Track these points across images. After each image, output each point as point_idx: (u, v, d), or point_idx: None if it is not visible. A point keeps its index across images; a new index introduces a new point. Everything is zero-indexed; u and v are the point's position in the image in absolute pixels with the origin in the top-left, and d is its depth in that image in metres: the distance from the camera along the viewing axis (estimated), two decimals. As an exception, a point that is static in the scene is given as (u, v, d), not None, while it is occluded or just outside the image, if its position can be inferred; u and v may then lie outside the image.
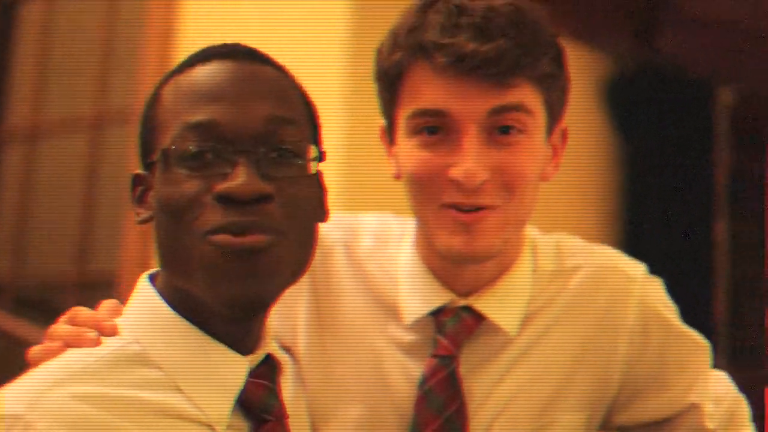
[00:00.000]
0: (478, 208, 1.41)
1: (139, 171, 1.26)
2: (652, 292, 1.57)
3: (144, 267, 1.74)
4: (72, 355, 1.19)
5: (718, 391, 1.56)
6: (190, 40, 3.37)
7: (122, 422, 1.13)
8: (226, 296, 1.16)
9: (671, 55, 3.39)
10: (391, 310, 1.55)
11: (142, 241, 3.56)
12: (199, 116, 1.17)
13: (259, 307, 1.20)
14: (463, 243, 1.42)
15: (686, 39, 3.44)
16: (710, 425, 1.53)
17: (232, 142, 1.17)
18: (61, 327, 1.25)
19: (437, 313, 1.51)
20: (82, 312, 1.27)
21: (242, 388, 1.21)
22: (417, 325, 1.53)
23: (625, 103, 3.37)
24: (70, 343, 1.21)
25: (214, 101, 1.18)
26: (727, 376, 1.59)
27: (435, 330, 1.51)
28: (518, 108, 1.40)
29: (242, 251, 1.14)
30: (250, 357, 1.23)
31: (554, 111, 1.47)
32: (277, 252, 1.16)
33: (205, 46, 1.25)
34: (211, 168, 1.16)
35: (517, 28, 1.39)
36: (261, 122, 1.18)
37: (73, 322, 1.25)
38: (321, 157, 1.23)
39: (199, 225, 1.15)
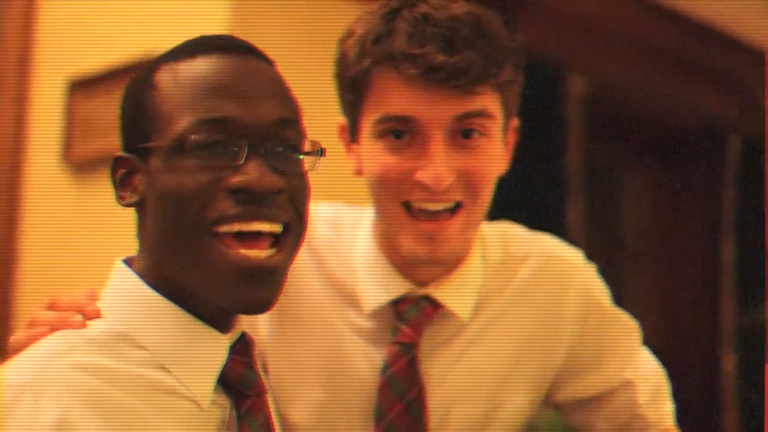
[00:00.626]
0: (444, 211, 1.47)
1: (121, 153, 1.26)
2: (590, 279, 1.66)
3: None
4: (62, 336, 1.20)
5: (646, 368, 1.67)
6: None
7: (122, 395, 1.16)
8: (231, 301, 1.21)
9: (527, 43, 3.45)
10: (349, 298, 1.59)
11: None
12: (215, 113, 1.19)
13: (264, 310, 1.23)
14: (427, 251, 1.48)
15: (542, 29, 3.53)
16: (641, 400, 1.64)
17: (244, 137, 1.19)
18: (44, 313, 1.25)
19: (397, 302, 1.55)
20: (62, 298, 1.27)
21: (224, 365, 1.24)
22: (376, 313, 1.57)
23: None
24: (56, 328, 1.22)
25: (226, 97, 1.20)
26: (651, 354, 1.70)
27: (395, 318, 1.55)
28: (481, 114, 1.46)
29: (254, 268, 1.19)
30: (229, 335, 1.26)
31: (510, 111, 1.53)
32: (277, 265, 1.22)
33: (199, 36, 1.27)
34: (221, 160, 1.19)
35: (482, 39, 1.45)
36: (270, 121, 1.21)
37: (55, 308, 1.26)
38: (322, 152, 1.26)
39: (206, 215, 1.18)
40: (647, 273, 4.24)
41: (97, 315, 1.23)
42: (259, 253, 1.19)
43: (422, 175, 1.44)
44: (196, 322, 1.23)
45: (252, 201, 1.18)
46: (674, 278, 4.24)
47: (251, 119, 1.20)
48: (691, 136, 4.39)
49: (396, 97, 1.44)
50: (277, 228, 1.21)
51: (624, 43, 3.96)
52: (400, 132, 1.46)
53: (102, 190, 3.03)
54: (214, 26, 2.87)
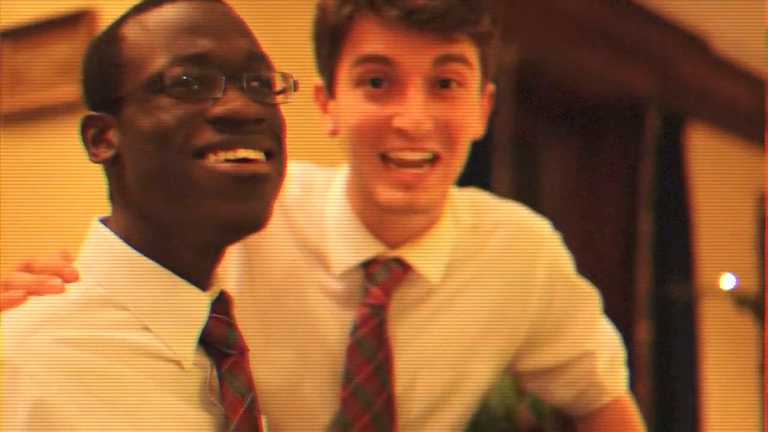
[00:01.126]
0: (422, 161, 1.46)
1: (90, 113, 1.24)
2: (557, 248, 1.67)
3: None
4: (40, 302, 1.17)
5: (606, 336, 1.70)
6: None
7: (105, 363, 1.13)
8: (227, 217, 1.18)
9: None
10: (319, 259, 1.57)
11: None
12: (190, 49, 1.19)
13: (258, 226, 1.21)
14: (405, 199, 1.47)
15: None
16: (599, 369, 1.66)
17: (220, 69, 1.20)
18: (20, 275, 1.21)
19: (367, 264, 1.54)
20: (39, 260, 1.23)
21: (205, 323, 1.22)
22: (346, 275, 1.56)
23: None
24: (33, 291, 1.18)
25: (199, 35, 1.21)
26: (608, 322, 1.72)
27: (365, 279, 1.55)
28: (459, 59, 1.46)
29: (245, 174, 1.18)
30: (209, 292, 1.24)
31: (487, 68, 1.52)
32: (269, 174, 1.21)
33: None
34: (200, 93, 1.18)
35: None
36: (243, 55, 1.22)
37: (31, 270, 1.22)
38: (295, 85, 1.26)
39: (190, 146, 1.17)
40: (566, 242, 4.29)
41: (75, 277, 1.20)
42: (248, 165, 1.19)
43: (400, 121, 1.44)
44: (178, 280, 1.21)
45: (235, 129, 1.18)
46: (592, 248, 4.29)
47: (226, 53, 1.20)
48: (611, 109, 4.45)
49: (375, 39, 1.45)
50: (261, 156, 1.20)
51: (551, 16, 4.00)
52: (378, 81, 1.46)
53: (31, 144, 2.98)
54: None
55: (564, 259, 1.68)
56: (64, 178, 2.81)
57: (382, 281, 1.54)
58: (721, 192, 4.90)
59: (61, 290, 1.18)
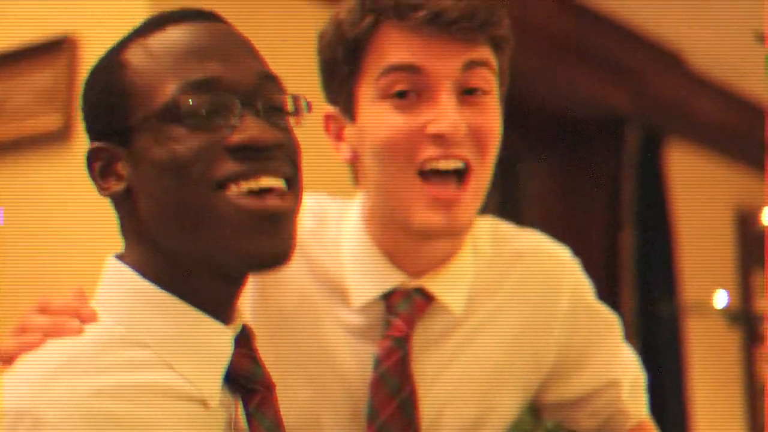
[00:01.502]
0: (456, 172, 1.42)
1: (96, 144, 1.18)
2: (578, 276, 1.64)
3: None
4: (58, 346, 1.12)
5: (628, 363, 1.66)
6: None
7: (128, 408, 1.08)
8: (253, 253, 1.14)
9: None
10: (337, 293, 1.53)
11: None
12: (202, 74, 1.15)
13: (284, 261, 1.17)
14: (443, 220, 1.42)
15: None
16: (624, 396, 1.63)
17: (234, 95, 1.15)
18: (36, 318, 1.15)
19: (388, 296, 1.50)
20: (55, 300, 1.18)
21: (230, 359, 1.17)
22: (366, 308, 1.51)
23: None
24: (51, 334, 1.13)
25: (208, 59, 1.16)
26: (630, 347, 1.69)
27: (386, 311, 1.50)
28: (485, 64, 1.44)
29: (269, 212, 1.14)
30: (231, 326, 1.20)
31: (503, 78, 1.50)
32: (291, 208, 1.17)
33: (158, 13, 1.22)
34: (216, 121, 1.14)
35: None
36: (255, 77, 1.18)
37: (47, 312, 1.16)
38: (308, 106, 1.22)
39: (210, 177, 1.13)
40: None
41: (93, 318, 1.15)
42: (271, 200, 1.15)
43: (436, 127, 1.40)
44: (201, 314, 1.16)
45: (255, 157, 1.14)
46: (574, 267, 4.28)
47: (238, 77, 1.16)
48: (591, 127, 4.44)
49: (401, 48, 1.41)
50: (282, 183, 1.16)
51: (528, 34, 3.98)
52: (404, 92, 1.42)
53: (13, 174, 2.93)
54: (130, 5, 2.79)
55: (585, 287, 1.64)
56: (47, 209, 2.76)
57: (404, 313, 1.49)
58: (700, 208, 4.91)
59: (79, 332, 1.13)
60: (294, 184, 1.18)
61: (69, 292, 1.20)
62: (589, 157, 4.43)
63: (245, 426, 1.18)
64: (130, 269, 1.18)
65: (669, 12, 4.15)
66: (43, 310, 1.17)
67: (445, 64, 1.41)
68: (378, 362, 1.48)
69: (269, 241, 1.14)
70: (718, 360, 4.77)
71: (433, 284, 1.51)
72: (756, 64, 4.24)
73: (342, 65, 1.46)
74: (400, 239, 1.48)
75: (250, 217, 1.13)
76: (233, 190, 1.13)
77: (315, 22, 1.56)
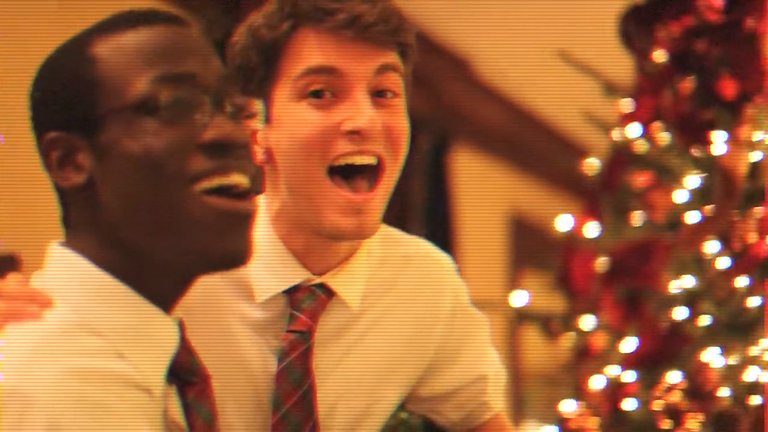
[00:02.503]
0: (368, 168, 1.48)
1: (54, 134, 1.19)
2: (458, 281, 1.74)
3: None
4: (26, 329, 1.14)
5: (494, 360, 1.79)
6: None
7: (97, 393, 1.11)
8: (218, 252, 1.19)
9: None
10: (241, 288, 1.56)
11: None
12: (177, 68, 1.18)
13: (245, 262, 1.22)
14: (354, 224, 1.48)
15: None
16: (489, 391, 1.76)
17: (205, 91, 1.19)
18: None
19: (291, 291, 1.55)
20: (10, 285, 1.20)
21: (176, 351, 1.22)
22: (268, 303, 1.56)
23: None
24: (10, 318, 1.15)
25: (183, 56, 1.20)
26: (493, 347, 1.80)
27: (289, 306, 1.55)
28: (396, 69, 1.51)
29: (236, 212, 1.19)
30: (174, 319, 1.24)
31: (407, 86, 1.56)
32: (254, 209, 1.23)
33: (127, 10, 1.25)
34: (187, 117, 1.17)
35: (389, 1, 1.51)
36: (222, 77, 1.23)
37: (3, 297, 1.18)
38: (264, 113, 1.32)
39: (184, 172, 1.16)
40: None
41: (49, 304, 1.17)
42: (238, 201, 1.20)
43: (352, 124, 1.45)
44: (152, 307, 1.20)
45: (225, 155, 1.18)
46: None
47: (209, 75, 1.20)
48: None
49: (319, 50, 1.47)
50: (246, 181, 1.21)
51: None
52: (320, 91, 1.47)
53: None
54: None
55: (463, 290, 1.75)
56: None
57: (308, 308, 1.55)
58: (480, 210, 5.14)
59: (38, 317, 1.15)
60: (255, 183, 1.24)
61: (13, 278, 1.22)
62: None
63: (176, 417, 1.23)
64: (82, 258, 1.19)
65: (460, 21, 4.33)
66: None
67: (359, 66, 1.47)
68: (283, 355, 1.53)
69: (234, 240, 1.19)
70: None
71: (334, 281, 1.57)
72: (537, 77, 4.51)
73: (258, 69, 1.50)
74: (308, 239, 1.54)
75: (220, 216, 1.17)
76: (204, 185, 1.17)
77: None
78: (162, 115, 1.16)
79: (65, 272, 1.20)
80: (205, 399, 1.25)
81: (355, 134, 1.46)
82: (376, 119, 1.46)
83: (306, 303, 1.55)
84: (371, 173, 1.50)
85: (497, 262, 5.44)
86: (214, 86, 1.20)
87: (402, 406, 1.78)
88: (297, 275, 1.55)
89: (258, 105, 1.26)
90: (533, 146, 5.56)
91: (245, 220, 1.20)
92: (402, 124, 1.52)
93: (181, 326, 1.26)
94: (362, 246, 1.62)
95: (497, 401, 1.78)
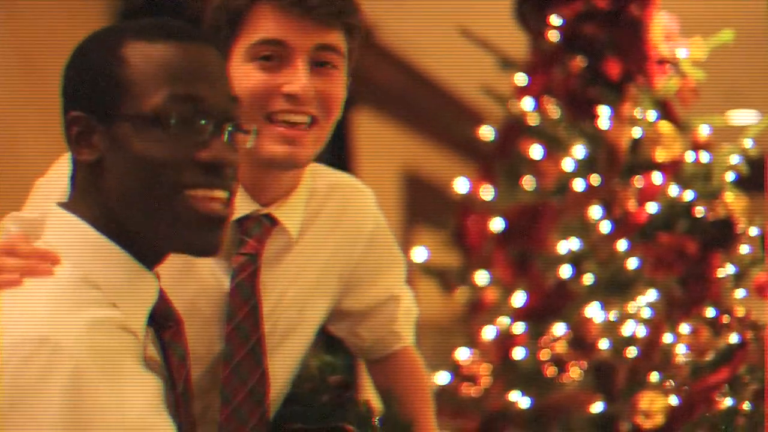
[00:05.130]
0: (304, 124, 1.70)
1: (78, 113, 1.38)
2: (377, 210, 2.01)
3: None
4: (43, 283, 1.32)
5: (406, 289, 2.06)
6: None
7: (111, 341, 1.31)
8: (196, 246, 1.40)
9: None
10: None
11: None
12: (189, 90, 1.37)
13: (215, 254, 1.42)
14: (287, 152, 1.70)
15: None
16: (400, 317, 2.03)
17: (210, 115, 1.38)
18: (10, 260, 1.35)
19: (242, 220, 1.78)
20: (20, 244, 1.37)
21: (155, 300, 1.43)
22: None
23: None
24: (26, 274, 1.33)
25: (196, 79, 1.38)
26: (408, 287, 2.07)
27: (239, 233, 1.78)
28: (334, 48, 1.73)
29: (215, 216, 1.38)
30: (154, 273, 1.45)
31: (352, 57, 1.80)
32: (230, 213, 1.43)
33: (162, 19, 1.43)
34: (191, 135, 1.36)
35: None
36: (227, 100, 1.42)
37: (17, 255, 1.36)
38: (257, 132, 1.51)
39: (178, 181, 1.36)
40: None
41: (58, 261, 1.35)
42: (217, 205, 1.40)
43: (290, 88, 1.68)
44: (140, 266, 1.40)
45: (214, 173, 1.39)
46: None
47: (215, 100, 1.39)
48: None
49: (271, 24, 1.69)
50: (227, 195, 1.42)
51: None
52: (270, 56, 1.70)
53: None
54: None
55: (382, 220, 2.00)
56: None
57: (256, 234, 1.78)
58: (377, 169, 5.36)
59: (50, 273, 1.33)
60: (234, 193, 1.44)
61: (19, 238, 1.40)
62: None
63: (153, 353, 1.44)
64: (83, 222, 1.38)
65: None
66: (11, 253, 1.36)
67: (303, 40, 1.70)
68: (235, 274, 1.77)
69: (209, 238, 1.40)
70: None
71: (278, 212, 1.80)
72: (439, 46, 4.73)
73: (223, 29, 1.73)
74: (254, 172, 1.74)
75: (199, 218, 1.38)
76: (191, 193, 1.37)
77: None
78: (169, 130, 1.35)
79: (67, 232, 1.39)
80: (179, 339, 1.47)
81: (292, 97, 1.69)
82: (309, 87, 1.68)
83: (254, 230, 1.78)
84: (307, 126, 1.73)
85: (392, 218, 5.66)
86: (218, 109, 1.39)
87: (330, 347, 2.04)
88: (247, 206, 1.77)
89: (250, 126, 1.47)
90: (430, 110, 5.79)
91: (220, 222, 1.40)
92: (335, 90, 1.73)
93: (158, 277, 1.47)
94: (302, 181, 1.84)
95: (408, 333, 2.04)
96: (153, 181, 1.36)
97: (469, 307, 3.34)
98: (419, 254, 3.42)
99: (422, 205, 5.74)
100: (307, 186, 1.86)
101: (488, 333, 3.18)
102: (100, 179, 1.39)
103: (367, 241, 1.95)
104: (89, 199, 1.40)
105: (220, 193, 1.40)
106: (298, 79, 1.69)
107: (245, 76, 1.70)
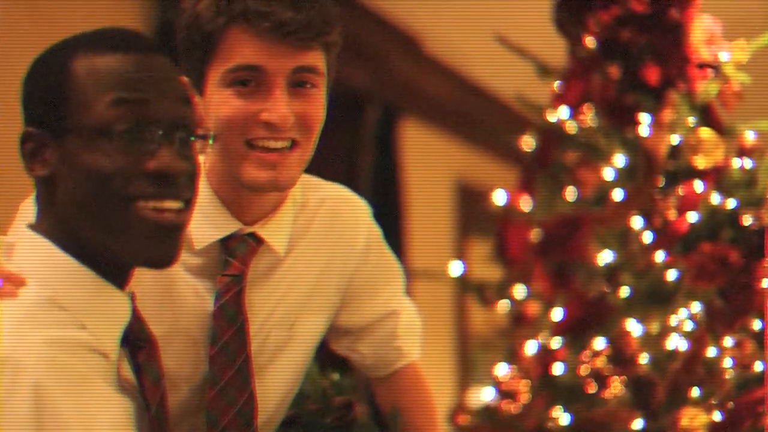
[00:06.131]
0: (284, 148, 1.68)
1: (31, 129, 1.38)
2: (371, 221, 1.96)
3: None
4: (6, 305, 1.31)
5: (406, 303, 2.01)
6: None
7: (72, 360, 1.31)
8: (148, 257, 1.39)
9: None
10: None
11: None
12: (133, 94, 1.36)
13: (171, 264, 1.42)
14: (269, 177, 1.68)
15: None
16: (400, 332, 1.98)
17: (156, 123, 1.37)
18: None
19: (226, 240, 1.75)
20: None
21: (129, 321, 1.41)
22: (205, 250, 1.75)
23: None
24: None
25: (142, 86, 1.37)
26: (408, 297, 2.02)
27: (223, 253, 1.75)
28: (312, 69, 1.70)
29: (167, 225, 1.37)
30: (126, 292, 1.43)
31: (331, 72, 1.76)
32: (185, 221, 1.42)
33: (111, 29, 1.43)
34: (138, 145, 1.35)
35: (317, 3, 1.69)
36: (178, 104, 1.40)
37: None
38: (215, 138, 1.48)
39: (126, 193, 1.35)
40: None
41: (23, 283, 1.34)
42: (169, 215, 1.38)
43: (268, 116, 1.65)
44: (107, 284, 1.39)
45: (164, 183, 1.37)
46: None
47: (162, 104, 1.37)
48: (333, 103, 4.72)
49: (247, 49, 1.65)
50: (180, 205, 1.40)
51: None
52: (247, 81, 1.66)
53: None
54: None
55: (377, 230, 1.96)
56: None
57: (240, 254, 1.75)
58: (427, 180, 5.31)
59: (14, 295, 1.33)
60: (190, 202, 1.42)
61: None
62: (331, 132, 4.71)
63: (128, 376, 1.42)
64: (47, 241, 1.38)
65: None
66: None
67: (280, 65, 1.66)
68: (219, 295, 1.74)
69: (162, 248, 1.39)
70: (436, 316, 5.21)
71: (263, 230, 1.77)
72: (483, 53, 4.67)
73: (196, 50, 1.69)
74: (237, 192, 1.73)
75: (151, 228, 1.36)
76: (141, 204, 1.36)
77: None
78: (115, 141, 1.34)
79: (34, 254, 1.38)
80: (154, 360, 1.45)
81: (270, 125, 1.65)
82: (288, 115, 1.65)
83: (239, 250, 1.75)
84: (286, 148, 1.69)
85: (445, 230, 5.62)
86: (166, 117, 1.37)
87: (332, 364, 2.00)
88: (230, 226, 1.75)
89: (206, 130, 1.44)
90: (480, 119, 5.73)
91: (173, 231, 1.39)
92: (315, 111, 1.71)
93: (133, 298, 1.44)
94: (288, 198, 1.81)
95: (411, 349, 1.99)
96: (102, 194, 1.34)
97: (510, 321, 3.28)
98: (457, 268, 3.36)
99: (475, 215, 5.67)
100: (295, 201, 1.83)
101: (530, 348, 3.11)
102: (54, 195, 1.38)
103: (361, 255, 1.91)
104: (49, 216, 1.40)
105: (172, 204, 1.38)
106: (277, 108, 1.65)
107: (223, 103, 1.67)
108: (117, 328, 1.40)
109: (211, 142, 1.45)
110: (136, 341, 1.43)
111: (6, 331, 1.28)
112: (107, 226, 1.36)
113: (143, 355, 1.44)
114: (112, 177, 1.34)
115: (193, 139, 1.42)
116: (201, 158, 1.52)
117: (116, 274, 1.40)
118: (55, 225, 1.39)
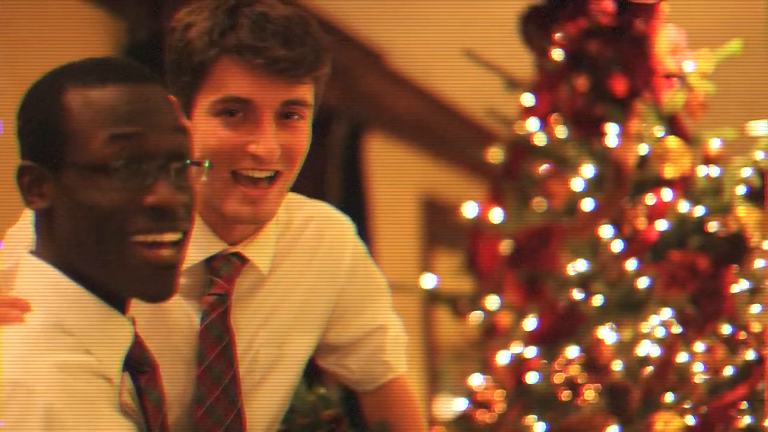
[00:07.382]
0: (266, 178, 1.69)
1: (28, 162, 1.38)
2: (356, 239, 1.98)
3: None
4: (15, 330, 1.33)
5: (393, 318, 2.02)
6: None
7: (80, 384, 1.33)
8: (146, 292, 1.41)
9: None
10: None
11: None
12: (128, 128, 1.36)
13: (168, 299, 1.43)
14: (250, 212, 1.71)
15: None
16: (388, 347, 1.99)
17: (153, 156, 1.37)
18: None
19: (210, 260, 1.76)
20: None
21: (131, 345, 1.42)
22: (190, 270, 1.75)
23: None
24: None
25: (136, 119, 1.37)
26: (394, 313, 2.03)
27: (208, 273, 1.76)
28: (301, 102, 1.71)
29: (164, 263, 1.39)
30: (128, 317, 1.45)
31: (317, 101, 1.78)
32: (182, 258, 1.43)
33: (104, 60, 1.44)
34: (134, 180, 1.36)
35: (310, 38, 1.70)
36: (173, 133, 1.41)
37: None
38: (210, 165, 1.50)
39: (125, 229, 1.36)
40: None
41: (28, 308, 1.36)
42: (166, 252, 1.39)
43: (256, 149, 1.66)
44: (110, 309, 1.40)
45: (163, 217, 1.38)
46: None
47: (158, 136, 1.38)
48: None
49: (238, 82, 1.66)
50: (178, 237, 1.41)
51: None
52: (234, 111, 1.67)
53: None
54: None
55: (362, 249, 1.98)
56: None
57: (225, 274, 1.77)
58: (393, 194, 5.34)
59: (21, 320, 1.34)
60: (188, 233, 1.43)
61: None
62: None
63: (128, 400, 1.43)
64: (50, 267, 1.39)
65: (374, 15, 4.50)
66: None
67: (270, 99, 1.67)
68: (205, 315, 1.75)
69: (159, 285, 1.40)
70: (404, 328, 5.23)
71: (247, 250, 1.79)
72: (448, 69, 4.71)
73: (186, 76, 1.69)
74: (220, 216, 1.74)
75: (148, 267, 1.38)
76: (139, 239, 1.37)
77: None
78: (112, 177, 1.35)
79: (38, 280, 1.39)
80: (155, 385, 1.46)
81: (257, 157, 1.67)
82: (275, 149, 1.67)
83: (223, 269, 1.77)
84: (270, 179, 1.71)
85: (411, 244, 5.65)
86: (162, 148, 1.38)
87: (319, 380, 2.01)
88: (214, 246, 1.76)
89: (203, 164, 1.47)
90: (445, 133, 5.77)
91: (170, 268, 1.41)
92: (300, 143, 1.73)
93: (134, 323, 1.45)
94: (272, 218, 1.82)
95: (399, 363, 2.00)
96: (99, 229, 1.35)
97: (482, 332, 3.30)
98: (429, 281, 3.39)
99: (441, 229, 5.71)
100: (278, 220, 1.84)
101: (502, 358, 3.13)
102: (53, 227, 1.39)
103: (348, 273, 1.92)
104: (51, 245, 1.40)
105: (171, 236, 1.39)
106: (265, 141, 1.67)
107: (211, 132, 1.68)
108: (120, 353, 1.41)
109: (207, 165, 1.47)
110: (138, 365, 1.44)
111: (14, 356, 1.29)
112: (105, 263, 1.37)
113: (145, 379, 1.45)
114: (111, 214, 1.35)
115: (189, 163, 1.43)
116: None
117: (117, 301, 1.41)
118: (56, 252, 1.39)
